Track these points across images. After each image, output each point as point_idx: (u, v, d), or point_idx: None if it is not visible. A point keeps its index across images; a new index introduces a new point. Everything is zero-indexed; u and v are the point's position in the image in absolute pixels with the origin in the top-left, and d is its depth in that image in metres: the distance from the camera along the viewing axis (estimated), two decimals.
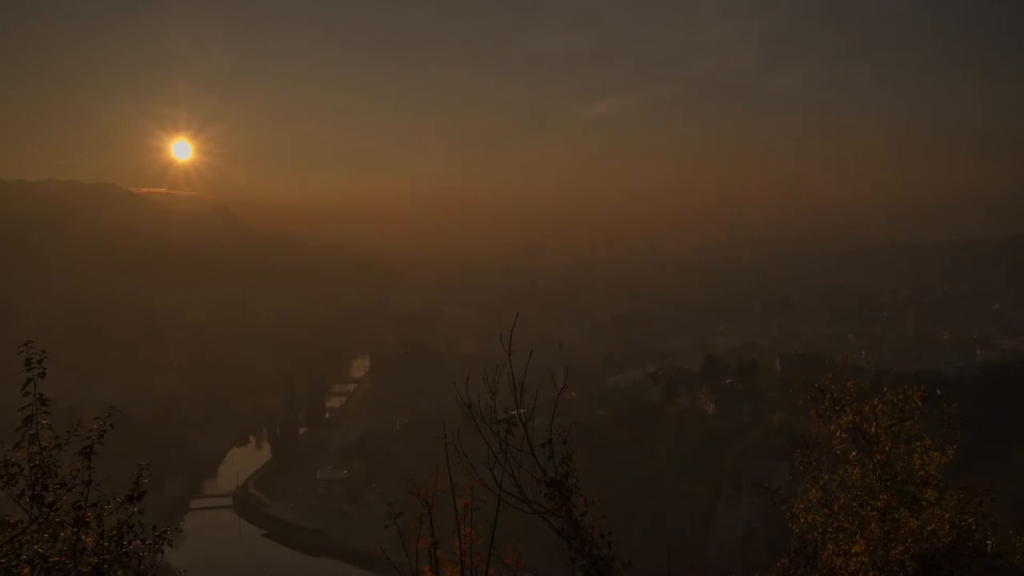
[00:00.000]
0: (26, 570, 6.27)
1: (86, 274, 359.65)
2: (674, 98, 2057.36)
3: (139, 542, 6.95)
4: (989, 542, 8.76)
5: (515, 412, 7.64)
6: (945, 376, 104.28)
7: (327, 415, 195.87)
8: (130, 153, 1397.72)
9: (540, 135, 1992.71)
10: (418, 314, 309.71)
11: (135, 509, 7.11)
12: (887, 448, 9.59)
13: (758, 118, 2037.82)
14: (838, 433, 9.91)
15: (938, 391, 10.07)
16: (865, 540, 9.05)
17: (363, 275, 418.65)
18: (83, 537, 6.67)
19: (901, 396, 9.72)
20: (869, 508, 9.22)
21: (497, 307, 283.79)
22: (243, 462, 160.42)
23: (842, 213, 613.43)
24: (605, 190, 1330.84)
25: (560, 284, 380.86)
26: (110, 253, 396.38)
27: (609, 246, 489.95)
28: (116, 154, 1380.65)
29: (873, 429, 9.77)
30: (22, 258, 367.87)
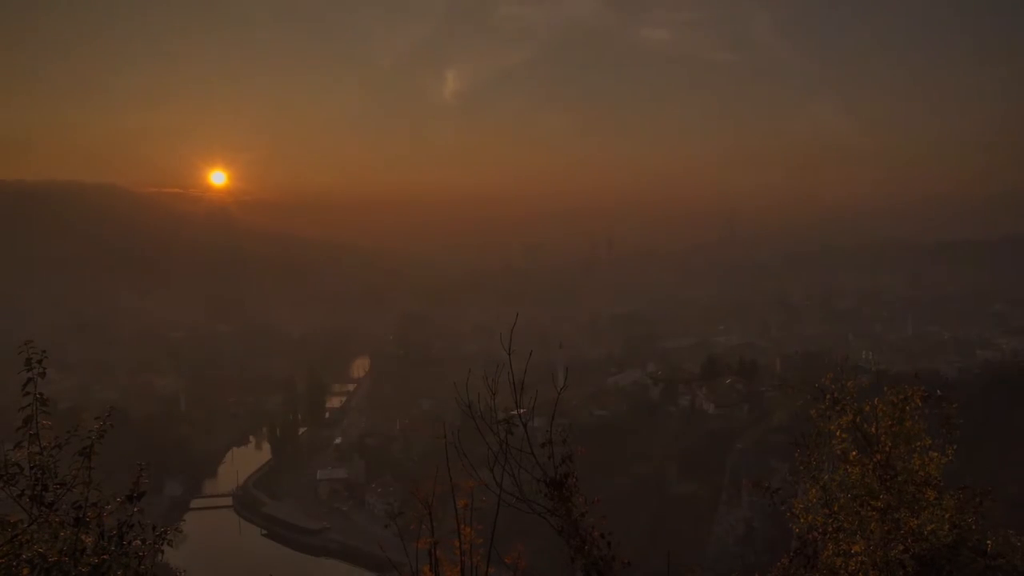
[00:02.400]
0: (26, 570, 6.27)
1: (86, 274, 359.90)
2: (528, 65, 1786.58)
3: (139, 542, 6.95)
4: (989, 542, 8.76)
5: (515, 412, 7.64)
6: (945, 376, 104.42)
7: (327, 415, 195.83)
8: (131, 152, 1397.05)
9: (400, 114, 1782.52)
10: (418, 314, 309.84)
11: (135, 509, 7.11)
12: (887, 448, 9.59)
13: (634, 84, 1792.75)
14: (838, 433, 9.91)
15: (938, 391, 10.07)
16: (865, 540, 9.05)
17: (364, 274, 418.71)
18: (83, 537, 6.67)
19: (901, 396, 9.72)
20: (869, 508, 9.22)
21: (497, 307, 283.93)
22: (243, 462, 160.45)
23: (827, 210, 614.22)
24: (496, 177, 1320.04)
25: (560, 284, 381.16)
26: (110, 253, 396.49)
27: (609, 246, 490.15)
28: (117, 153, 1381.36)
29: (873, 429, 9.77)
30: (22, 258, 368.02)
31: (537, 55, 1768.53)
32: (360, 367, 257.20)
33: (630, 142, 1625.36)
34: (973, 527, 8.93)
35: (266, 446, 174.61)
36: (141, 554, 6.92)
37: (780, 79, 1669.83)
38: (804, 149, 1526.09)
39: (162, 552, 7.17)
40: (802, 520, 9.76)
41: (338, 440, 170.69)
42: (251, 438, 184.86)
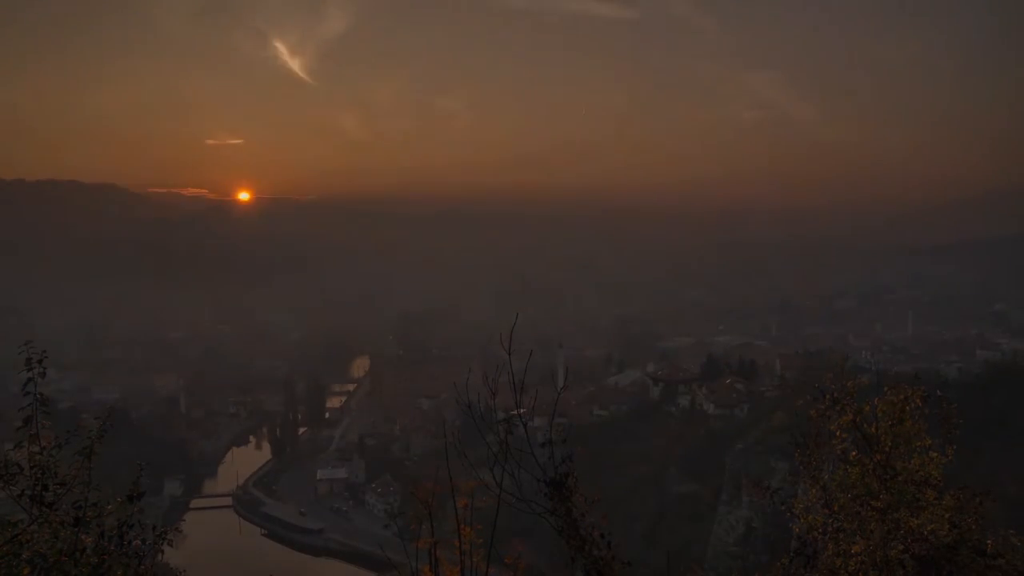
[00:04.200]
0: (26, 570, 6.27)
1: (86, 274, 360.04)
2: (359, 33, 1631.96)
3: (139, 542, 6.96)
4: (989, 542, 8.76)
5: (515, 412, 7.64)
6: (945, 376, 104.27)
7: (327, 415, 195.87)
8: (131, 152, 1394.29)
9: (233, 80, 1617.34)
10: (418, 314, 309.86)
11: (135, 509, 7.11)
12: (887, 448, 9.59)
13: (501, 47, 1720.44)
14: (838, 433, 9.91)
15: (938, 391, 10.06)
16: (865, 540, 9.05)
17: (364, 274, 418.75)
18: (83, 537, 6.67)
19: (901, 396, 9.72)
20: (869, 508, 9.22)
21: (497, 307, 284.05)
22: (243, 462, 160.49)
23: (835, 212, 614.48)
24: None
25: (561, 284, 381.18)
26: (110, 253, 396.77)
27: (609, 245, 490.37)
28: (118, 153, 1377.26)
29: (873, 429, 9.77)
30: (22, 258, 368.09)
31: (362, 20, 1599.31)
32: (360, 367, 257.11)
33: (534, 116, 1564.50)
34: (973, 527, 8.92)
35: (266, 446, 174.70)
36: (141, 554, 6.92)
37: (694, 42, 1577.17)
38: (734, 124, 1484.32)
39: (162, 552, 7.17)
40: (802, 520, 9.76)
41: (338, 440, 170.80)
42: (251, 438, 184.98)
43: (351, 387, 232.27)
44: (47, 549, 6.43)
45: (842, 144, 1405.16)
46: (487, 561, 7.81)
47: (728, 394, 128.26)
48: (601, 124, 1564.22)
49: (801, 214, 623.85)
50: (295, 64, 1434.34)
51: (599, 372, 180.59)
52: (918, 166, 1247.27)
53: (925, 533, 8.80)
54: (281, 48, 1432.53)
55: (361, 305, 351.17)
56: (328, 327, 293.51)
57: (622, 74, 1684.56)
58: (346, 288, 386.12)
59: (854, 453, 9.77)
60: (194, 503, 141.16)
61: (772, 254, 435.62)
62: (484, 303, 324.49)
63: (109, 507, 6.95)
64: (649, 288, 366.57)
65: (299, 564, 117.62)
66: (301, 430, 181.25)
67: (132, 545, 6.90)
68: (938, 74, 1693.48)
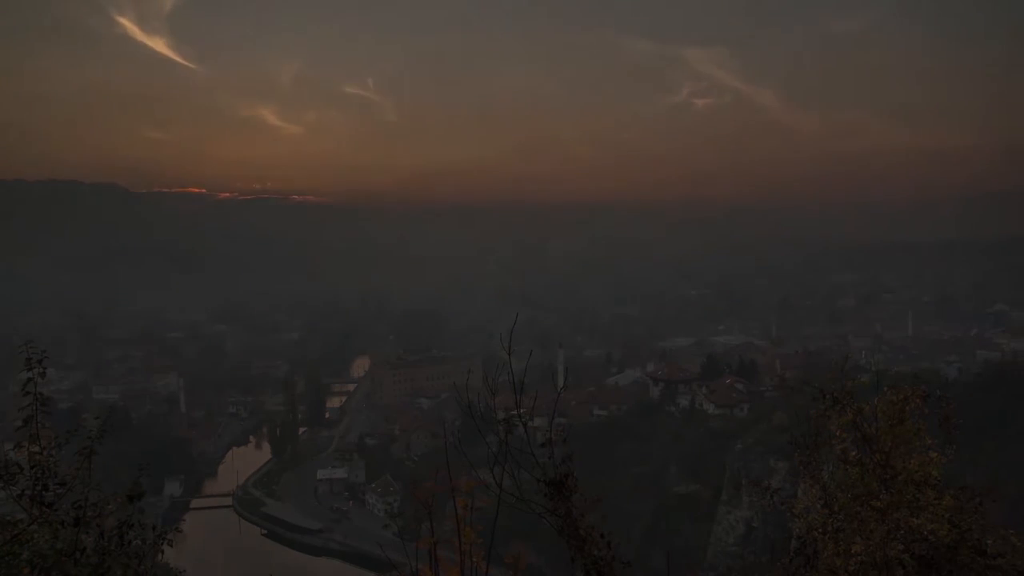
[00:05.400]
0: (26, 570, 6.27)
1: (86, 274, 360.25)
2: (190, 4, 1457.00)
3: (139, 542, 6.96)
4: (989, 542, 8.76)
5: (515, 412, 7.64)
6: (945, 376, 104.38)
7: (327, 415, 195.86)
8: (132, 152, 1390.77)
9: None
10: (418, 313, 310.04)
11: (135, 509, 7.11)
12: (887, 448, 9.59)
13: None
14: (838, 433, 9.91)
15: (938, 391, 10.05)
16: (865, 540, 9.05)
17: (364, 274, 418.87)
18: (83, 537, 6.67)
19: (901, 396, 9.71)
20: (869, 508, 9.22)
21: (497, 307, 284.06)
22: (243, 462, 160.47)
23: (841, 208, 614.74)
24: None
25: (560, 283, 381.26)
26: (110, 253, 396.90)
27: (610, 245, 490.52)
28: (118, 153, 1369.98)
29: (873, 429, 9.77)
30: (22, 258, 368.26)
31: None
32: (360, 367, 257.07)
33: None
34: (973, 527, 8.92)
35: (266, 446, 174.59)
36: (141, 554, 6.92)
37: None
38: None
39: (162, 552, 7.17)
40: (802, 520, 9.76)
41: (338, 440, 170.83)
42: (251, 438, 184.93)
43: (351, 387, 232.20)
44: (47, 549, 6.43)
45: (815, 134, 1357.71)
46: (487, 561, 7.80)
47: (728, 394, 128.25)
48: (534, 112, 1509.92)
49: (793, 212, 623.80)
50: (159, 45, 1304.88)
51: (599, 372, 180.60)
52: (907, 160, 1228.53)
53: (925, 533, 8.79)
54: (127, 24, 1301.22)
55: (361, 305, 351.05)
56: (328, 327, 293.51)
57: (541, 46, 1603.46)
58: (346, 287, 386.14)
59: (854, 453, 9.76)
60: (194, 503, 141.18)
61: (772, 254, 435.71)
62: (484, 303, 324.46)
63: (109, 507, 6.95)
64: (649, 288, 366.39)
65: (299, 564, 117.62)
66: (301, 430, 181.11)
67: (132, 545, 6.89)
68: (904, 49, 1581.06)
